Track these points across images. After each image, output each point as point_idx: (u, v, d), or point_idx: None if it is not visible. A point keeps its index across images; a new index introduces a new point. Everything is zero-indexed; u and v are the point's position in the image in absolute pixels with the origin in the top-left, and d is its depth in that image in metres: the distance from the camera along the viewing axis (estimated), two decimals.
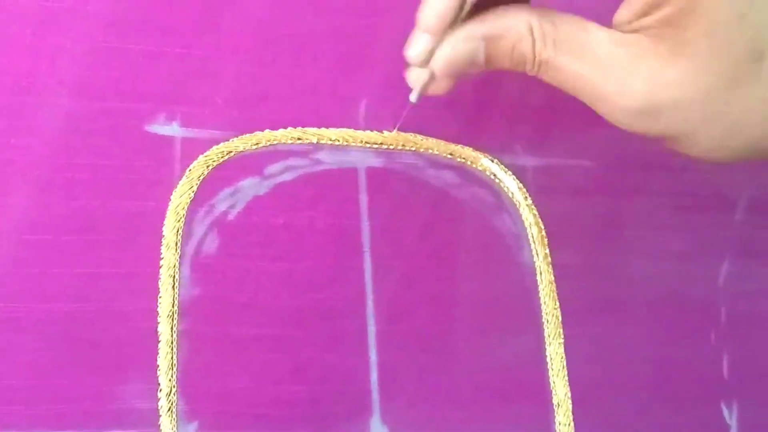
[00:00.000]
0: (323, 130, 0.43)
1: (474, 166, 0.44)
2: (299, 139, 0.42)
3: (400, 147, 0.44)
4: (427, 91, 0.40)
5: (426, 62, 0.39)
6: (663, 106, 0.36)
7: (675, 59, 0.35)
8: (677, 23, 0.35)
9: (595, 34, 0.37)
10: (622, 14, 0.37)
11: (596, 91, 0.37)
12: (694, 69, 0.35)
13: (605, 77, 0.37)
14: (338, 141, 0.43)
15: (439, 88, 0.41)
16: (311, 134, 0.42)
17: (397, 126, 0.43)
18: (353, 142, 0.43)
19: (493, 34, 0.38)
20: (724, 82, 0.35)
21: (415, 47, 0.39)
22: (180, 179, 0.40)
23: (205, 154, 0.40)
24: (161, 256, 0.39)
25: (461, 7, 0.37)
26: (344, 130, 0.43)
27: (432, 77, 0.40)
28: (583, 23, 0.38)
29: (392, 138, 0.43)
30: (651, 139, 0.38)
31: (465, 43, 0.38)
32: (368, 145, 0.43)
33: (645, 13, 0.36)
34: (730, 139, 0.37)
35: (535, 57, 0.38)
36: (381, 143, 0.43)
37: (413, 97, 0.40)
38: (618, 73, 0.36)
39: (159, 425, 0.38)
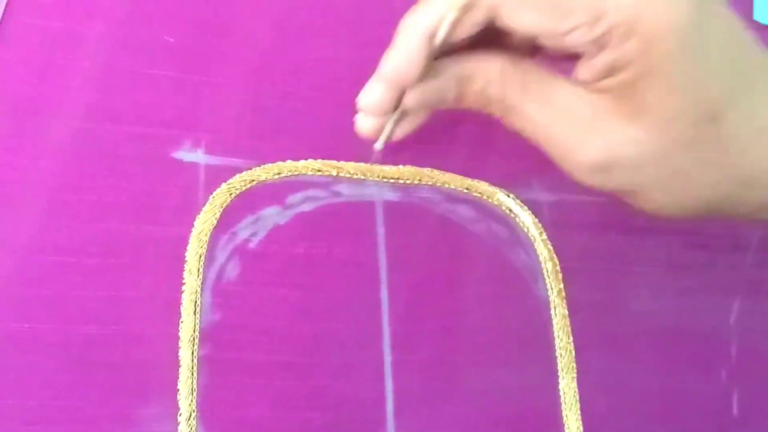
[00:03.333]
0: (342, 164, 0.43)
1: (490, 200, 0.45)
2: (319, 171, 0.43)
3: (416, 182, 0.44)
4: (392, 137, 0.42)
5: (379, 112, 0.40)
6: (619, 164, 0.37)
7: (633, 120, 0.36)
8: (635, 87, 0.36)
9: (561, 86, 0.38)
10: (582, 74, 0.38)
11: (556, 142, 0.38)
12: (651, 130, 0.36)
13: (566, 130, 0.38)
14: (356, 175, 0.43)
15: (405, 131, 0.42)
16: (331, 167, 0.43)
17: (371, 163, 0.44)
18: (371, 176, 0.44)
19: (465, 75, 0.39)
20: (680, 144, 0.36)
21: (371, 96, 0.40)
22: (203, 206, 0.40)
23: (228, 182, 0.41)
24: (183, 282, 0.39)
25: (425, 65, 0.38)
26: (362, 164, 0.43)
27: (398, 121, 0.41)
28: (553, 75, 0.39)
29: (408, 172, 0.44)
30: (605, 193, 0.39)
31: (435, 81, 0.39)
32: (385, 180, 0.44)
33: (605, 76, 0.36)
34: (683, 198, 0.38)
35: (502, 101, 0.39)
36: (398, 178, 0.44)
37: (379, 145, 0.41)
38: (579, 127, 0.37)
39: None
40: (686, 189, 0.38)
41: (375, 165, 0.44)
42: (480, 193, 0.45)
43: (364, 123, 0.41)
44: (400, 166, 0.44)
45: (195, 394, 0.38)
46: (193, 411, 0.38)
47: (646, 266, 0.48)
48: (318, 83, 0.44)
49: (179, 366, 0.38)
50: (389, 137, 0.42)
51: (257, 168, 0.42)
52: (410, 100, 0.39)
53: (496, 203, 0.45)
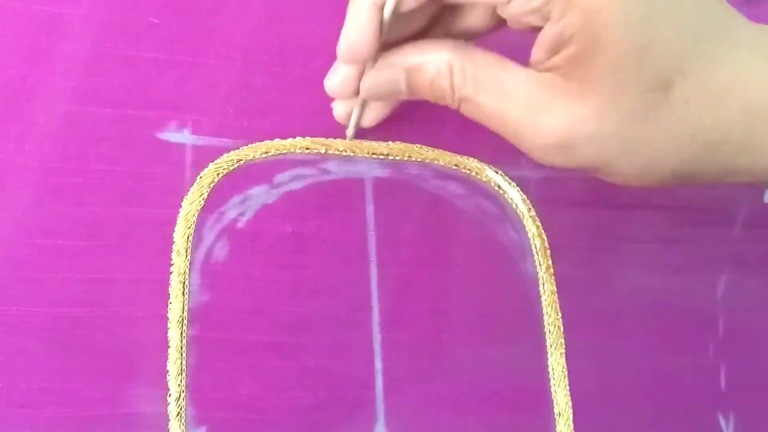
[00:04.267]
0: (331, 141, 0.43)
1: (479, 177, 0.45)
2: (307, 148, 0.43)
3: (406, 158, 0.44)
4: (361, 124, 0.43)
5: (342, 94, 0.41)
6: (577, 141, 0.37)
7: (585, 96, 0.36)
8: (582, 61, 0.36)
9: (513, 72, 0.38)
10: (535, 54, 0.37)
11: (514, 128, 0.38)
12: (603, 104, 0.36)
13: (521, 115, 0.37)
14: (345, 151, 0.43)
15: (372, 118, 0.43)
16: (319, 144, 0.43)
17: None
18: (360, 153, 0.43)
19: (413, 66, 0.39)
20: (633, 115, 0.36)
21: (332, 78, 0.41)
22: (191, 186, 0.40)
23: (215, 161, 0.41)
24: (172, 263, 0.39)
25: (377, 39, 0.38)
26: (351, 140, 0.43)
27: (363, 107, 0.42)
28: (503, 62, 0.38)
29: (398, 149, 0.44)
30: (573, 170, 0.39)
31: (386, 70, 0.39)
32: (374, 156, 0.44)
33: (553, 53, 0.36)
34: (648, 167, 0.38)
35: (454, 93, 0.39)
36: (387, 154, 0.44)
37: (349, 133, 0.43)
38: (533, 111, 0.37)
39: (168, 430, 0.38)
40: (649, 158, 0.38)
41: (364, 141, 0.44)
42: (469, 169, 0.45)
43: (337, 109, 0.42)
44: (390, 143, 0.44)
45: (184, 374, 0.39)
46: (183, 391, 0.38)
47: (633, 242, 0.48)
48: (305, 62, 0.43)
49: (168, 347, 0.39)
50: (358, 125, 0.43)
51: (244, 147, 0.41)
52: (364, 88, 0.40)
53: (484, 180, 0.45)
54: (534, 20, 0.36)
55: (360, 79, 0.40)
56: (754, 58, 0.37)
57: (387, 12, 0.38)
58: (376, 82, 0.40)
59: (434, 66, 0.39)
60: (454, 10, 0.40)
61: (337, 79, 0.41)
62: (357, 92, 0.41)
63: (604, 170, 0.39)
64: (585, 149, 0.37)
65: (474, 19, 0.40)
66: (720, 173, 0.39)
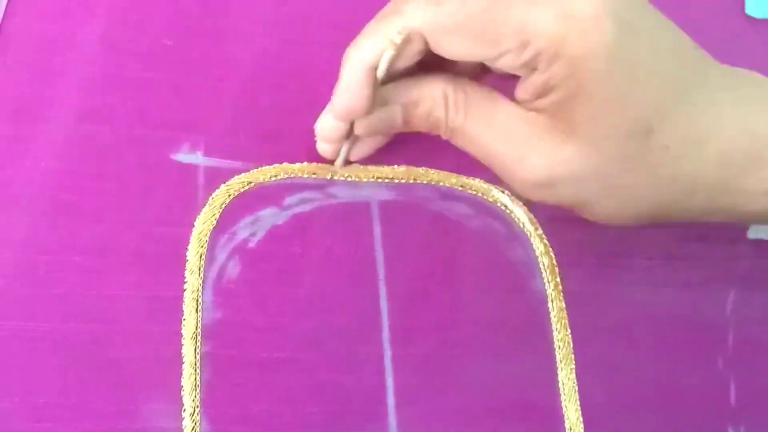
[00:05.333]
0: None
1: (485, 197, 0.46)
2: (314, 173, 0.44)
3: (411, 180, 0.45)
4: (350, 156, 0.44)
5: (332, 141, 0.42)
6: (558, 181, 0.38)
7: (568, 138, 0.37)
8: (566, 107, 0.37)
9: (502, 107, 0.39)
10: (520, 95, 0.39)
11: (499, 161, 0.40)
12: (585, 148, 0.37)
13: (507, 149, 0.39)
14: (351, 177, 0.44)
15: (363, 152, 0.44)
16: (326, 170, 0.44)
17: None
18: (365, 178, 0.44)
19: (410, 101, 0.41)
20: (614, 159, 0.38)
21: (324, 127, 0.42)
22: (203, 207, 0.41)
23: (227, 183, 0.42)
24: (185, 280, 0.40)
25: (372, 98, 0.39)
26: (356, 166, 0.44)
27: (353, 143, 0.43)
28: (494, 95, 0.40)
29: (403, 172, 0.45)
30: (552, 206, 0.41)
31: (383, 109, 0.41)
32: (380, 180, 0.45)
33: (539, 97, 0.38)
34: (625, 208, 0.40)
35: (447, 123, 0.40)
36: (392, 178, 0.45)
37: (337, 165, 0.44)
38: (519, 147, 0.39)
39: None
40: (627, 201, 0.39)
41: (369, 166, 0.45)
42: (475, 190, 0.46)
43: (322, 147, 0.43)
44: (395, 167, 0.45)
45: (198, 390, 0.39)
46: (197, 406, 0.39)
47: (641, 259, 0.48)
48: (314, 86, 0.44)
49: (182, 363, 0.39)
50: (346, 159, 0.44)
51: (255, 170, 0.43)
52: (360, 129, 0.41)
53: (491, 200, 0.46)
54: (521, 72, 0.38)
55: (350, 126, 0.41)
56: (729, 104, 0.39)
57: (380, 73, 0.39)
58: (373, 122, 0.41)
59: (431, 98, 0.40)
60: (444, 60, 0.41)
61: (327, 129, 0.42)
62: (348, 136, 0.42)
63: (583, 209, 0.40)
64: (565, 188, 0.39)
65: (462, 67, 0.41)
66: (697, 214, 0.41)
